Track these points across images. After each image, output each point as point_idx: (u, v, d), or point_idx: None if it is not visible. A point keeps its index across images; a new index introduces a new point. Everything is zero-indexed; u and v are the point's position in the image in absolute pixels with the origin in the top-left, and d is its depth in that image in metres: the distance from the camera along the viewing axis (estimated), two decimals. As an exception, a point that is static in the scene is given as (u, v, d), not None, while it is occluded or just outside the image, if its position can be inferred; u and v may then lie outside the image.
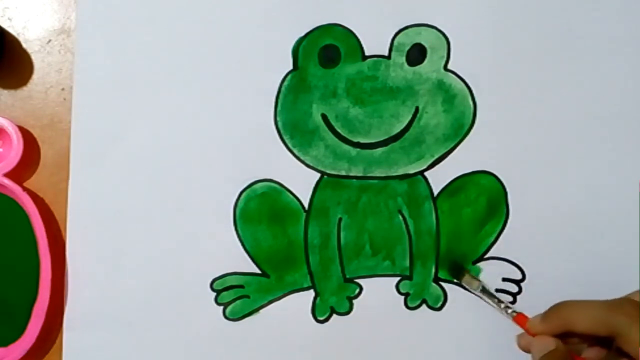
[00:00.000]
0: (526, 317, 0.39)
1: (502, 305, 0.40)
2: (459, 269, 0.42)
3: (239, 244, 0.43)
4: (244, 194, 0.43)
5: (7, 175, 0.42)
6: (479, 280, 0.42)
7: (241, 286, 0.43)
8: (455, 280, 0.42)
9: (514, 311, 0.40)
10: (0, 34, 0.44)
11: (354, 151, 0.43)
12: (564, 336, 0.36)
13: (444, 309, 0.43)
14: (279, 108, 0.43)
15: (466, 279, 0.42)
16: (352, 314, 0.43)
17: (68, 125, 0.43)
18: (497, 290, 0.42)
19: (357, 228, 0.43)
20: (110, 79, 0.43)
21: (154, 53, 0.44)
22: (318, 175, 0.43)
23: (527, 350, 0.38)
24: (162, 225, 0.43)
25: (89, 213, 0.43)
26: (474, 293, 0.42)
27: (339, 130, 0.43)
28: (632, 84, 0.43)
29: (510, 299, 0.42)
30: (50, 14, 0.45)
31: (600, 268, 0.42)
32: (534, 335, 0.38)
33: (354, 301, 0.43)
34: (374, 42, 0.43)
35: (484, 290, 0.41)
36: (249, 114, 0.43)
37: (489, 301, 0.41)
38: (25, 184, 0.43)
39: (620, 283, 0.42)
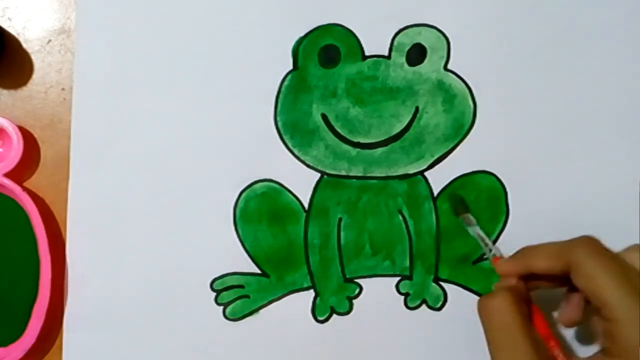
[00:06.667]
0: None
1: (487, 247, 0.40)
2: (460, 204, 0.42)
3: (239, 244, 0.43)
4: (244, 194, 0.43)
5: (7, 175, 0.42)
6: (474, 221, 0.42)
7: (241, 286, 0.43)
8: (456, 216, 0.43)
9: (494, 254, 0.39)
10: (0, 34, 0.44)
11: (354, 151, 0.43)
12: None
13: (444, 309, 0.43)
14: (279, 108, 0.43)
15: (464, 217, 0.42)
16: (352, 314, 0.43)
17: (68, 125, 0.43)
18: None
19: (357, 228, 0.43)
20: (110, 79, 0.44)
21: (154, 53, 0.44)
22: (318, 175, 0.43)
23: None
24: (162, 225, 0.43)
25: (89, 213, 0.43)
26: (466, 230, 0.42)
27: (339, 130, 0.43)
28: (632, 84, 0.43)
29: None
30: (50, 14, 0.45)
31: (600, 268, 0.42)
32: (501, 274, 0.38)
33: (354, 301, 0.43)
34: (374, 42, 0.43)
35: (476, 232, 0.41)
36: (249, 114, 0.43)
37: (478, 239, 0.41)
38: (25, 184, 0.43)
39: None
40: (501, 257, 0.39)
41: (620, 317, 0.32)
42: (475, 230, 0.41)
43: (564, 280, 0.36)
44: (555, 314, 0.41)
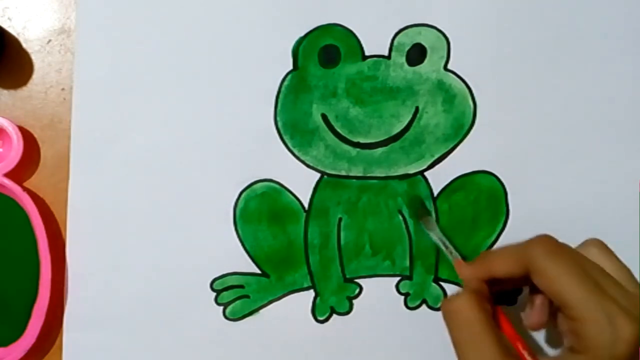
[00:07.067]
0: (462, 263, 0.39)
1: (448, 250, 0.40)
2: (421, 207, 0.42)
3: (239, 244, 0.43)
4: (244, 194, 0.43)
5: (7, 175, 0.42)
6: (435, 225, 0.42)
7: (241, 286, 0.43)
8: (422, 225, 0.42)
9: (456, 256, 0.39)
10: (0, 34, 0.44)
11: (354, 151, 0.43)
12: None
13: (444, 309, 0.43)
14: (279, 108, 0.43)
15: (425, 220, 0.42)
16: (352, 314, 0.43)
17: (68, 125, 0.43)
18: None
19: (357, 228, 0.43)
20: (110, 79, 0.43)
21: (154, 53, 0.44)
22: (318, 175, 0.43)
23: None
24: (162, 225, 0.43)
25: (89, 213, 0.43)
26: (427, 233, 0.42)
27: (339, 130, 0.43)
28: (632, 84, 0.44)
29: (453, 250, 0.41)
30: (50, 14, 0.45)
31: (600, 268, 0.42)
32: (463, 279, 0.38)
33: (354, 301, 0.43)
34: (374, 42, 0.43)
35: (438, 235, 0.41)
36: (249, 114, 0.43)
37: (439, 243, 0.41)
38: (25, 184, 0.43)
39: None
40: (463, 259, 0.39)
41: (584, 316, 0.32)
42: (437, 234, 0.41)
43: (526, 280, 0.35)
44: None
